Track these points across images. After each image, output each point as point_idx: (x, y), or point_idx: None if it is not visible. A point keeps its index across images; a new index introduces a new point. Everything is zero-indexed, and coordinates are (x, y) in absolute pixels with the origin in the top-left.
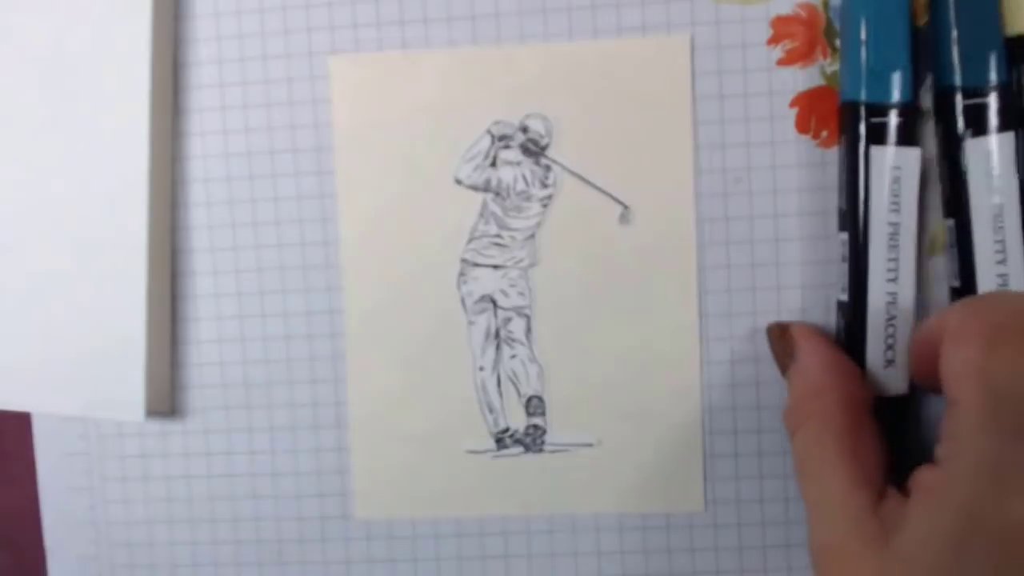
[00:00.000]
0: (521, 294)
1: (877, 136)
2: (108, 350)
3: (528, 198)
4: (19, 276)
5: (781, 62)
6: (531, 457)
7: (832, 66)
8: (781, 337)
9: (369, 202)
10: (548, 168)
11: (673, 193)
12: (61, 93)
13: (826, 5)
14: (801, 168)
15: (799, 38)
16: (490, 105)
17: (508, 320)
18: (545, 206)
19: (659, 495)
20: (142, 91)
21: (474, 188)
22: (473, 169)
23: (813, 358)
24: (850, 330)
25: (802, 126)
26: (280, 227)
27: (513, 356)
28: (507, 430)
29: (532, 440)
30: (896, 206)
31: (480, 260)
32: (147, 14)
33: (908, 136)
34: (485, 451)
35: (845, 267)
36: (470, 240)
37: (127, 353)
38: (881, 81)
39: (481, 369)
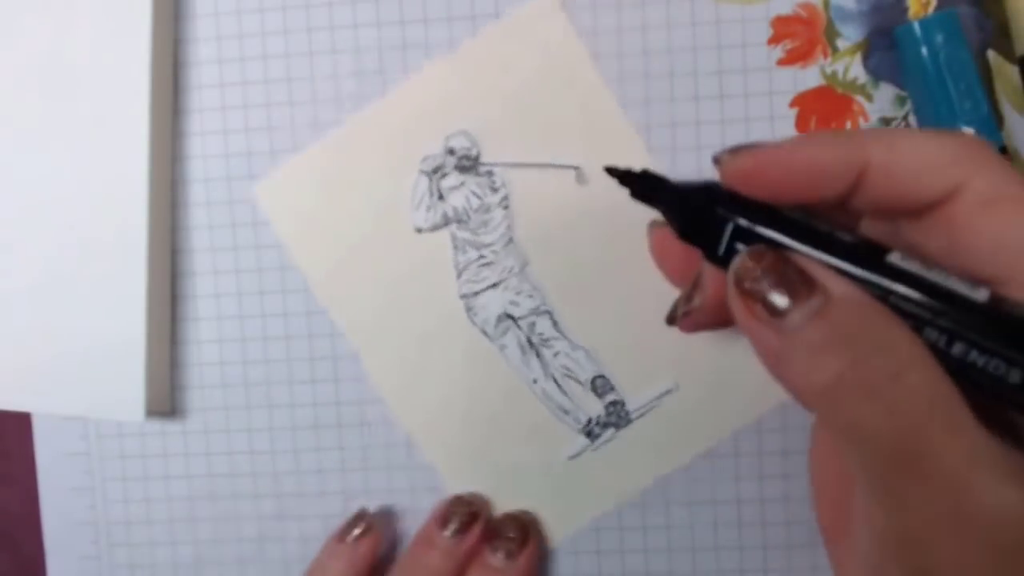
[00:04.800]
0: (530, 296)
1: None
2: (108, 350)
3: (487, 209)
4: (19, 276)
5: (781, 62)
6: (626, 431)
7: (832, 66)
8: (771, 264)
9: (350, 286)
10: (490, 173)
11: (615, 137)
12: (61, 93)
13: (826, 5)
14: None
15: (799, 38)
16: (412, 147)
17: (532, 325)
18: (506, 207)
19: (748, 405)
20: (142, 91)
21: (436, 228)
22: (426, 212)
23: (857, 292)
24: None
25: (802, 126)
26: None
27: (556, 354)
28: (590, 420)
29: (617, 416)
30: None
31: (477, 288)
32: (147, 14)
33: None
34: (583, 450)
35: None
36: (459, 275)
37: (127, 353)
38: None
39: (535, 381)
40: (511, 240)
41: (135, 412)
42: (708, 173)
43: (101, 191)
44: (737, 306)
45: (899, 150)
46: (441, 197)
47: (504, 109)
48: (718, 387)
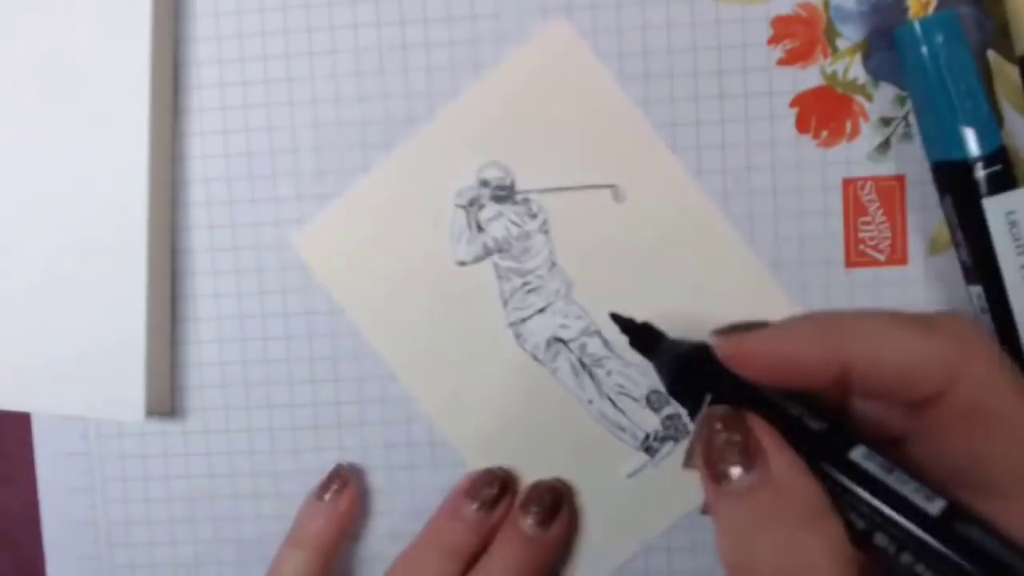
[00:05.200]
0: (578, 318)
1: (980, 188)
2: (108, 350)
3: (528, 236)
4: (20, 276)
5: (781, 62)
6: (684, 444)
7: (832, 66)
8: (730, 428)
9: (399, 325)
10: (527, 200)
11: (647, 154)
12: (61, 93)
13: (826, 5)
14: (801, 168)
15: (799, 38)
16: (447, 182)
17: (583, 347)
18: (546, 232)
19: None
20: (142, 91)
21: (479, 260)
22: (467, 245)
23: (797, 477)
24: None
25: (802, 126)
26: (280, 227)
27: (609, 373)
28: (648, 436)
29: (675, 429)
30: (1021, 249)
31: (525, 314)
32: (147, 14)
33: (1009, 179)
34: (642, 466)
35: (987, 318)
36: (505, 303)
37: (127, 353)
38: (972, 135)
39: (590, 402)
40: (554, 264)
41: (135, 412)
42: (707, 172)
43: (101, 191)
44: (696, 446)
45: (881, 350)
46: (480, 229)
47: (534, 135)
48: None
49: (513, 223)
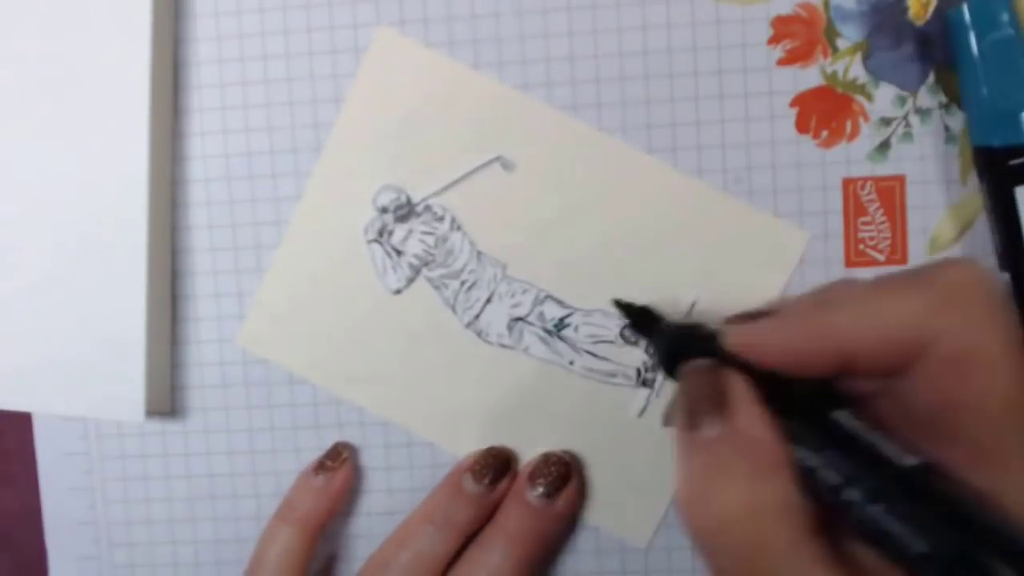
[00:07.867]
0: (525, 292)
1: (1018, 176)
2: (108, 350)
3: (444, 239)
4: (20, 276)
5: (781, 62)
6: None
7: (832, 66)
8: (706, 381)
9: (370, 374)
10: (428, 207)
11: (522, 116)
12: (61, 93)
13: (826, 5)
14: (801, 168)
15: (799, 38)
16: (352, 223)
17: (541, 315)
18: (459, 228)
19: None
20: (142, 91)
21: (411, 281)
22: (394, 273)
23: (758, 431)
24: None
25: (802, 126)
26: (280, 227)
27: (576, 328)
28: (640, 371)
29: None
30: None
31: (475, 311)
32: (147, 14)
33: None
34: (647, 401)
35: (1012, 305)
36: (454, 310)
37: (127, 353)
38: (1013, 122)
39: (572, 363)
40: (480, 253)
41: (135, 412)
42: (707, 172)
43: (101, 191)
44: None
45: (866, 319)
46: (399, 252)
47: (408, 145)
48: (737, 283)
49: (425, 234)
